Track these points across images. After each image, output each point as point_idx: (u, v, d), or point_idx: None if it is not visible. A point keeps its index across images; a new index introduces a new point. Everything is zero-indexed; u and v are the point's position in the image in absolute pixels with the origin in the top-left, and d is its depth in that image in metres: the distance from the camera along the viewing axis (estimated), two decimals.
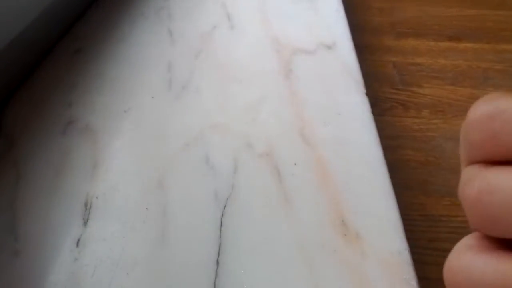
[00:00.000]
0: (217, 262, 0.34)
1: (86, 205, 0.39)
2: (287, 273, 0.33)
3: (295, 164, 0.39)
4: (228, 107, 0.45)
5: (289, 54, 0.49)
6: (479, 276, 0.14)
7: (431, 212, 0.55)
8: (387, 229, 0.36)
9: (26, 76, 0.50)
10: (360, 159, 0.40)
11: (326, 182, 0.38)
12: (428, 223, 0.61)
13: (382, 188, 0.38)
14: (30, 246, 0.37)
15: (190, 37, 0.53)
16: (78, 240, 0.37)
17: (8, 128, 0.46)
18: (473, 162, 0.15)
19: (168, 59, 0.51)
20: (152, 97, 0.47)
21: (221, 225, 0.36)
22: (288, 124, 0.42)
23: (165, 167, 0.41)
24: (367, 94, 0.47)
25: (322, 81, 0.47)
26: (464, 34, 1.18)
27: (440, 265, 0.15)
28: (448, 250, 0.15)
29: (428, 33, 1.18)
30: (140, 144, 0.43)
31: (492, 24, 1.22)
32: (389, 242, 0.35)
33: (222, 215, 0.37)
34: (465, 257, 0.14)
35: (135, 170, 0.41)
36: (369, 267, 0.33)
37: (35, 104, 0.48)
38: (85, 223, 0.38)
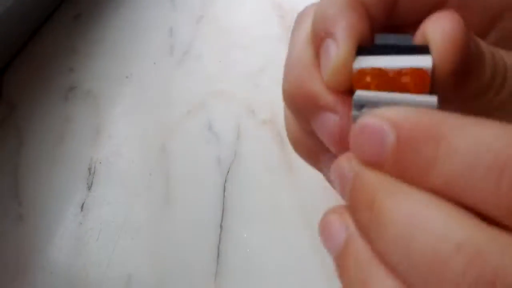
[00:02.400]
0: (221, 227, 0.35)
1: (89, 170, 0.39)
2: (290, 237, 0.34)
3: None
4: (230, 73, 0.45)
5: (292, 19, 0.48)
6: None
7: None
8: None
9: (26, 42, 0.50)
10: None
11: None
12: None
13: None
14: (34, 211, 0.37)
15: (192, 2, 0.52)
16: (83, 204, 0.37)
17: (9, 95, 0.45)
18: None
19: (170, 24, 0.50)
20: (154, 63, 0.46)
21: (224, 191, 0.36)
22: None
23: (168, 133, 0.41)
24: None
25: None
26: None
27: None
28: None
29: None
30: (142, 110, 0.43)
31: None
32: None
33: (225, 180, 0.37)
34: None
35: (138, 136, 0.41)
36: None
37: (35, 70, 0.47)
38: (89, 187, 0.38)
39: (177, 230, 0.35)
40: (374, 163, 0.14)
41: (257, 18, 0.50)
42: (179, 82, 0.45)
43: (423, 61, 0.15)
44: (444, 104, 0.15)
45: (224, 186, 0.37)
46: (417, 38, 0.17)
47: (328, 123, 0.18)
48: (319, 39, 0.18)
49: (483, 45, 0.17)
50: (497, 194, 0.12)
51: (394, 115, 0.14)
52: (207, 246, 0.34)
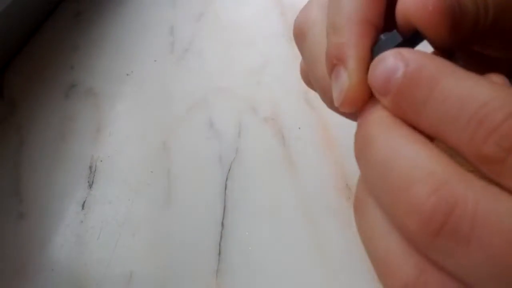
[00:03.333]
0: (222, 224, 0.35)
1: (90, 168, 0.39)
2: (291, 235, 0.34)
3: (299, 128, 0.39)
4: (231, 70, 0.45)
5: (293, 16, 0.48)
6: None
7: None
8: None
9: (27, 40, 0.50)
10: None
11: (330, 146, 0.38)
12: None
13: None
14: (35, 209, 0.37)
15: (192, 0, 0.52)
16: (84, 202, 0.37)
17: (10, 93, 0.45)
18: None
19: (170, 21, 0.50)
20: (155, 60, 0.46)
21: (225, 188, 0.36)
22: (293, 88, 0.41)
23: (169, 131, 0.40)
24: None
25: None
26: None
27: None
28: None
29: None
30: (143, 107, 0.43)
31: None
32: None
33: (227, 178, 0.37)
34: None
35: (139, 133, 0.41)
36: None
37: (37, 68, 0.47)
38: (90, 185, 0.38)
39: (178, 227, 0.35)
40: (381, 91, 0.16)
41: (258, 15, 0.50)
42: (179, 79, 0.45)
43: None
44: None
45: (225, 184, 0.37)
46: (399, 22, 0.17)
47: (343, 77, 0.19)
48: (331, 64, 0.19)
49: None
50: (471, 143, 0.13)
51: (407, 54, 0.15)
52: (208, 244, 0.34)
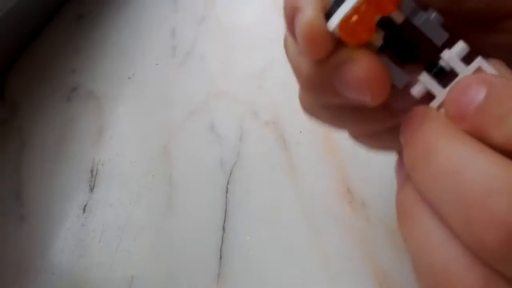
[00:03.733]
0: (223, 228, 0.35)
1: (92, 171, 0.39)
2: (293, 240, 0.34)
3: (300, 132, 0.39)
4: (233, 74, 0.45)
5: None
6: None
7: None
8: (392, 197, 0.36)
9: (29, 42, 0.50)
10: None
11: (331, 150, 0.38)
12: None
13: (388, 156, 0.38)
14: (37, 212, 0.37)
15: (194, 3, 0.52)
16: (85, 206, 0.37)
17: (11, 95, 0.45)
18: None
19: (172, 25, 0.50)
20: (157, 64, 0.46)
21: (227, 192, 0.36)
22: (294, 92, 0.41)
23: (171, 134, 0.40)
24: None
25: None
26: None
27: None
28: None
29: None
30: (145, 111, 0.43)
31: None
32: (395, 210, 0.35)
33: (228, 182, 0.37)
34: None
35: (140, 137, 0.41)
36: (374, 235, 0.33)
37: (38, 70, 0.47)
38: (91, 189, 0.38)
39: (179, 231, 0.35)
40: (459, 116, 0.15)
41: (260, 19, 0.50)
42: (181, 83, 0.45)
43: None
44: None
45: (227, 188, 0.37)
46: None
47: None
48: (290, 19, 0.18)
49: None
50: None
51: (488, 77, 0.15)
52: (209, 248, 0.34)
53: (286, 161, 0.38)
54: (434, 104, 0.17)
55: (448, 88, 0.16)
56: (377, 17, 0.17)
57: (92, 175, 0.39)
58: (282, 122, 0.40)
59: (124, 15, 0.52)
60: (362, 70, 0.17)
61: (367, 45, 0.17)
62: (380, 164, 0.38)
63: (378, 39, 0.17)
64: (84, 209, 0.37)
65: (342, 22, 0.16)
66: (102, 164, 0.39)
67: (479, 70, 0.16)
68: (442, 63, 0.17)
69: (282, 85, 0.42)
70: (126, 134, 0.41)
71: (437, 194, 0.15)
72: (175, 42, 0.48)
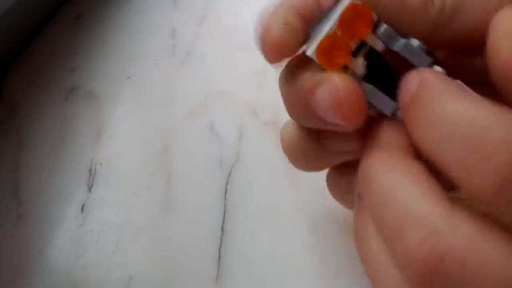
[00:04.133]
0: (222, 229, 0.34)
1: (90, 171, 0.39)
2: (292, 241, 0.34)
3: None
4: (233, 74, 0.45)
5: None
6: None
7: None
8: None
9: (27, 42, 0.50)
10: None
11: None
12: None
13: None
14: (34, 212, 0.37)
15: (194, 3, 0.52)
16: (83, 205, 0.37)
17: (10, 95, 0.45)
18: None
19: (172, 24, 0.50)
20: (156, 64, 0.46)
21: (226, 193, 0.36)
22: None
23: (170, 134, 0.40)
24: None
25: None
26: None
27: None
28: None
29: None
30: (144, 111, 0.43)
31: None
32: None
33: (227, 182, 0.37)
34: None
35: (139, 137, 0.41)
36: None
37: (36, 70, 0.47)
38: (90, 189, 0.38)
39: (178, 232, 0.35)
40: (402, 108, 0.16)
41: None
42: (181, 83, 0.44)
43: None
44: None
45: (226, 188, 0.36)
46: None
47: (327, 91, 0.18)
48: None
49: None
50: (467, 172, 0.13)
51: (422, 73, 0.16)
52: (208, 249, 0.33)
53: (286, 161, 0.37)
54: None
55: None
56: (354, 44, 0.17)
57: (90, 174, 0.38)
58: (282, 122, 0.39)
59: (124, 14, 0.52)
60: (334, 90, 0.17)
61: (348, 73, 0.18)
62: None
63: (358, 66, 0.18)
64: (82, 209, 0.36)
65: (318, 47, 0.17)
66: (101, 164, 0.39)
67: None
68: None
69: None
70: (125, 134, 0.41)
71: (374, 214, 0.16)
72: (175, 42, 0.48)
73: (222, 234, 0.34)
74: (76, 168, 0.39)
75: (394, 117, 0.18)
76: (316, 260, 0.32)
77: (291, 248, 0.33)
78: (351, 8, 0.17)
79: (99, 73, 0.46)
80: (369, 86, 0.18)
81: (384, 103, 0.18)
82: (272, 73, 0.44)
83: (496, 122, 0.13)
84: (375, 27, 0.17)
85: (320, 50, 0.18)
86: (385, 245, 0.16)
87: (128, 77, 0.45)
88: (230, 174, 0.37)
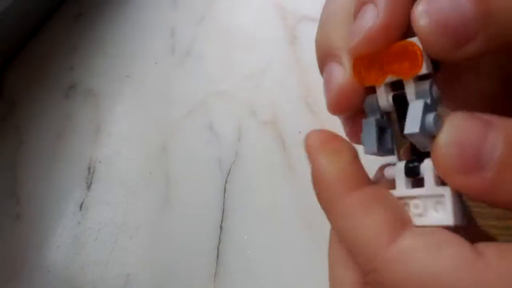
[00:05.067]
0: (221, 228, 0.34)
1: (89, 169, 0.39)
2: (290, 239, 0.34)
3: (299, 132, 0.39)
4: (232, 74, 0.45)
5: (294, 21, 0.48)
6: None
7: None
8: None
9: (28, 40, 0.50)
10: None
11: None
12: None
13: (386, 158, 0.38)
14: (33, 209, 0.37)
15: (193, 3, 0.52)
16: (82, 203, 0.37)
17: (9, 92, 0.45)
18: None
19: (171, 24, 0.50)
20: (155, 62, 0.46)
21: (224, 191, 0.36)
22: (293, 92, 0.41)
23: (169, 133, 0.40)
24: None
25: None
26: None
27: None
28: None
29: None
30: (143, 109, 0.43)
31: None
32: None
33: (226, 181, 0.37)
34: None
35: (138, 135, 0.41)
36: None
37: (36, 68, 0.47)
38: (89, 187, 0.38)
39: (176, 230, 0.35)
40: (470, 168, 0.15)
41: (259, 19, 0.49)
42: (180, 82, 0.45)
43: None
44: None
45: (225, 187, 0.36)
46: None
47: (331, 76, 0.19)
48: (323, 60, 0.18)
49: None
50: None
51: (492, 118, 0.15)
52: (206, 247, 0.34)
53: (285, 161, 0.38)
54: (394, 193, 0.17)
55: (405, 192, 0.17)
56: (391, 77, 0.17)
57: (89, 172, 0.38)
58: (280, 122, 0.40)
59: (123, 13, 0.52)
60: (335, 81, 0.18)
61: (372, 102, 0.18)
62: (378, 165, 0.38)
63: (382, 96, 0.18)
64: (80, 207, 0.36)
65: (356, 57, 0.17)
66: (100, 162, 0.39)
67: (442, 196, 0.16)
68: (420, 167, 0.17)
69: (281, 85, 0.42)
70: (124, 132, 0.41)
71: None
72: (174, 41, 0.48)
73: (221, 232, 0.34)
74: (75, 166, 0.39)
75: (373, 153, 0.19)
76: (314, 259, 0.32)
77: (289, 247, 0.33)
78: (408, 44, 0.16)
79: (98, 72, 0.46)
80: (370, 119, 0.18)
81: (369, 141, 0.18)
82: (271, 74, 0.44)
83: None
84: (424, 77, 0.16)
85: (359, 61, 0.17)
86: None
87: (127, 76, 0.45)
88: (229, 173, 0.37)
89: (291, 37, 0.47)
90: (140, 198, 0.37)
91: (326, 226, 0.34)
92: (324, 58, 0.19)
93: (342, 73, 0.18)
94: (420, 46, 0.16)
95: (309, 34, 0.48)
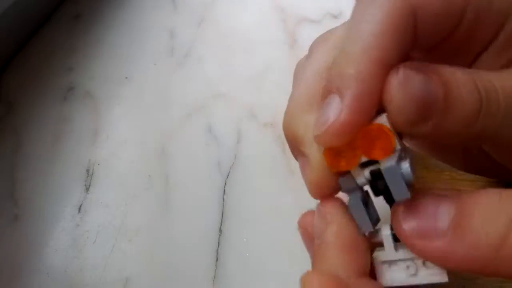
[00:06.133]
0: (220, 231, 0.34)
1: (88, 171, 0.38)
2: (290, 242, 0.33)
3: None
4: (231, 76, 0.45)
5: (294, 23, 0.48)
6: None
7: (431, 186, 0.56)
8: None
9: (26, 41, 0.49)
10: None
11: None
12: None
13: None
14: (31, 212, 0.37)
15: (193, 5, 0.52)
16: (80, 206, 0.36)
17: (7, 94, 0.45)
18: None
19: (171, 26, 0.50)
20: (154, 64, 0.46)
21: (224, 194, 0.36)
22: None
23: (168, 136, 0.40)
24: None
25: None
26: None
27: None
28: None
29: None
30: (142, 111, 0.42)
31: None
32: (393, 215, 0.34)
33: (225, 184, 0.37)
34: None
35: (137, 138, 0.40)
36: None
37: (34, 70, 0.47)
38: (87, 189, 0.37)
39: (175, 233, 0.35)
40: (420, 117, 0.17)
41: (259, 22, 0.49)
42: (179, 84, 0.44)
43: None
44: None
45: (224, 190, 0.36)
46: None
47: (305, 167, 0.21)
48: (327, 91, 0.18)
49: (458, 76, 0.17)
50: None
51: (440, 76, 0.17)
52: (206, 250, 0.33)
53: (284, 163, 0.37)
54: (382, 257, 0.19)
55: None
56: (363, 158, 0.17)
57: (88, 175, 0.38)
58: (280, 125, 0.40)
59: (122, 15, 0.52)
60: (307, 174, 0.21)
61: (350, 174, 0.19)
62: None
63: (360, 176, 0.18)
64: (79, 209, 0.36)
65: (327, 149, 0.18)
66: (98, 164, 0.39)
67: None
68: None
69: (281, 87, 0.42)
70: (122, 135, 0.41)
71: None
72: (173, 43, 0.48)
73: (220, 235, 0.34)
74: (74, 168, 0.39)
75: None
76: None
77: (289, 250, 0.33)
78: (377, 127, 0.17)
79: (97, 73, 0.46)
80: (355, 199, 0.19)
81: (361, 221, 0.19)
82: (271, 76, 0.44)
83: None
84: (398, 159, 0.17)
85: (329, 150, 0.18)
86: None
87: (126, 78, 0.45)
88: (228, 176, 0.37)
89: (291, 40, 0.46)
90: (139, 201, 0.36)
91: None
92: (293, 149, 0.22)
93: (310, 167, 0.20)
94: (389, 125, 0.17)
95: (309, 37, 0.48)
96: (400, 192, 0.17)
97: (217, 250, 0.33)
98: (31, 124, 0.42)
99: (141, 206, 0.36)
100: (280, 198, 0.36)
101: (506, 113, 0.17)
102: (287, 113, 0.23)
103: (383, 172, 0.17)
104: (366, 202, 0.19)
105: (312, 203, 0.35)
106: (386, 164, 0.17)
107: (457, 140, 0.19)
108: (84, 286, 0.33)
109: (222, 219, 0.35)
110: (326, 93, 0.18)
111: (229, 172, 0.37)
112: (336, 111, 0.17)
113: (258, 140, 0.39)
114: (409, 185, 0.17)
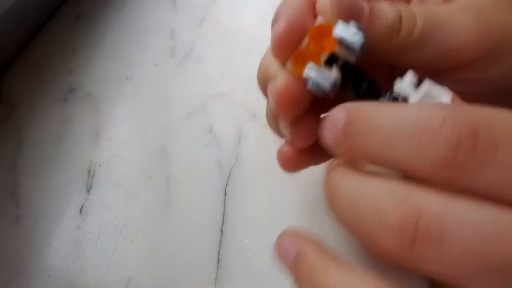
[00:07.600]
0: (221, 231, 0.34)
1: (89, 172, 0.38)
2: None
3: None
4: (232, 76, 0.45)
5: None
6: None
7: None
8: None
9: (26, 43, 0.49)
10: None
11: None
12: None
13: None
14: (32, 213, 0.37)
15: (193, 4, 0.52)
16: (82, 207, 0.36)
17: (8, 95, 0.45)
18: None
19: (171, 26, 0.50)
20: (155, 65, 0.46)
21: (225, 195, 0.36)
22: None
23: (168, 136, 0.40)
24: None
25: None
26: None
27: None
28: None
29: None
30: (143, 112, 0.42)
31: None
32: None
33: (226, 184, 0.37)
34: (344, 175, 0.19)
35: (138, 138, 0.40)
36: None
37: (35, 71, 0.47)
38: (88, 190, 0.37)
39: (177, 234, 0.35)
40: (333, 146, 0.19)
41: (259, 21, 0.49)
42: (180, 84, 0.44)
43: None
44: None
45: (225, 190, 0.36)
46: None
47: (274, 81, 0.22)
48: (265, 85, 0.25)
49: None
50: (420, 157, 0.15)
51: (347, 106, 0.18)
52: (207, 251, 0.33)
53: None
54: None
55: None
56: (325, 55, 0.20)
57: (89, 176, 0.38)
58: None
59: (123, 15, 0.52)
60: (275, 86, 0.22)
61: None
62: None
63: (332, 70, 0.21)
64: (80, 210, 0.36)
65: (293, 56, 0.21)
66: (100, 165, 0.39)
67: (427, 95, 0.18)
68: (395, 90, 0.20)
69: None
70: (123, 135, 0.41)
71: (345, 217, 0.19)
72: (174, 43, 0.48)
73: (221, 236, 0.34)
74: (75, 169, 0.39)
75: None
76: None
77: None
78: (318, 27, 0.20)
79: (98, 74, 0.46)
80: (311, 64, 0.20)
81: (323, 76, 0.20)
82: None
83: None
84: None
85: (295, 58, 0.21)
86: (363, 240, 0.18)
87: (127, 78, 0.45)
88: (229, 176, 0.37)
89: None
90: (140, 201, 0.36)
91: (328, 229, 0.34)
92: (266, 82, 0.24)
93: (276, 78, 0.22)
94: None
95: None
96: (354, 38, 0.19)
97: (218, 251, 0.33)
98: (33, 125, 0.42)
99: (142, 207, 0.36)
100: (281, 198, 0.36)
101: (422, 35, 0.20)
102: (261, 61, 0.27)
103: (335, 36, 0.19)
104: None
105: (314, 204, 0.36)
106: (335, 30, 0.19)
107: (381, 56, 0.21)
108: (86, 286, 0.33)
109: (223, 220, 0.35)
110: (276, 18, 0.22)
111: (230, 173, 0.37)
112: (279, 26, 0.21)
113: (259, 140, 0.39)
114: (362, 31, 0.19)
